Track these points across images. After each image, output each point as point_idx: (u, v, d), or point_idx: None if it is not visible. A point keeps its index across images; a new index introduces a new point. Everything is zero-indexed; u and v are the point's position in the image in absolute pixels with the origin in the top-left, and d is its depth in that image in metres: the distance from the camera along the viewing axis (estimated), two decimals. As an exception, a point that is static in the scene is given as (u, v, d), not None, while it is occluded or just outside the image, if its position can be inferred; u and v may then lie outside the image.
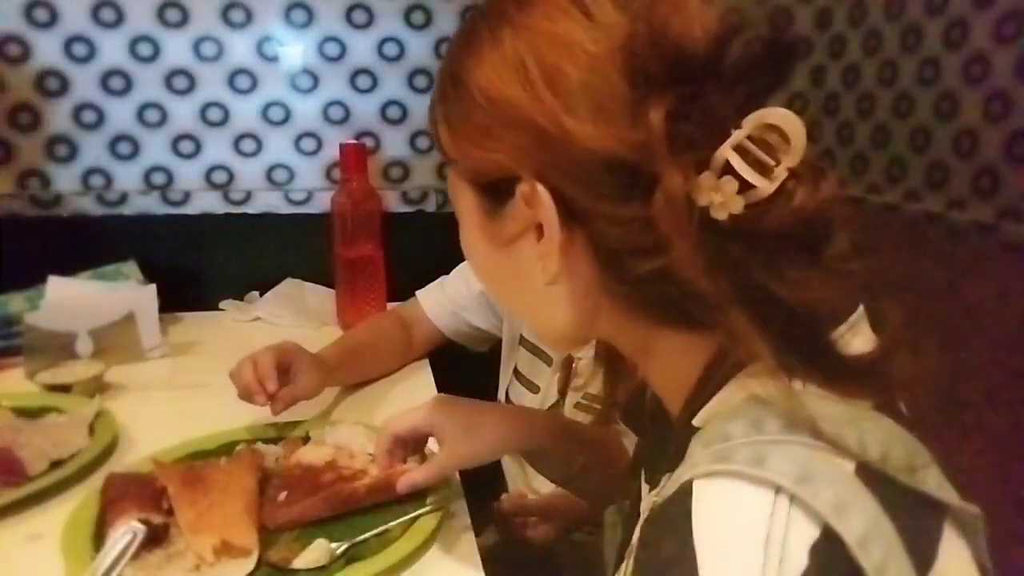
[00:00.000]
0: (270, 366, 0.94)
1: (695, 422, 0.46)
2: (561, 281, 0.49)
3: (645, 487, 0.58)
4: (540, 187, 0.46)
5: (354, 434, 0.87)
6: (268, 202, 1.57)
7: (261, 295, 1.53)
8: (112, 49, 1.48)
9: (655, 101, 0.42)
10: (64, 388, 1.07)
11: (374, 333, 1.24)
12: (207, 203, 1.55)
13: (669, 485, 0.43)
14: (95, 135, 1.50)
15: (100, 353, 1.19)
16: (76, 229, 1.49)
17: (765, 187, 0.41)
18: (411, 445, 0.81)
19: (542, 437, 0.82)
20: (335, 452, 0.83)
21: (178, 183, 1.55)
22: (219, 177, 1.57)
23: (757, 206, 0.41)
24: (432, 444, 0.81)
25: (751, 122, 0.41)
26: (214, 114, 1.54)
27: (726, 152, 0.41)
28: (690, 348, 0.49)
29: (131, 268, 1.39)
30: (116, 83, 1.49)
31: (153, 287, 1.28)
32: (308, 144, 1.59)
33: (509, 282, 0.56)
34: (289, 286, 1.55)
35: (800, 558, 0.36)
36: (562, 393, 1.10)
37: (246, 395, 0.94)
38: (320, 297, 1.50)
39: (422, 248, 1.44)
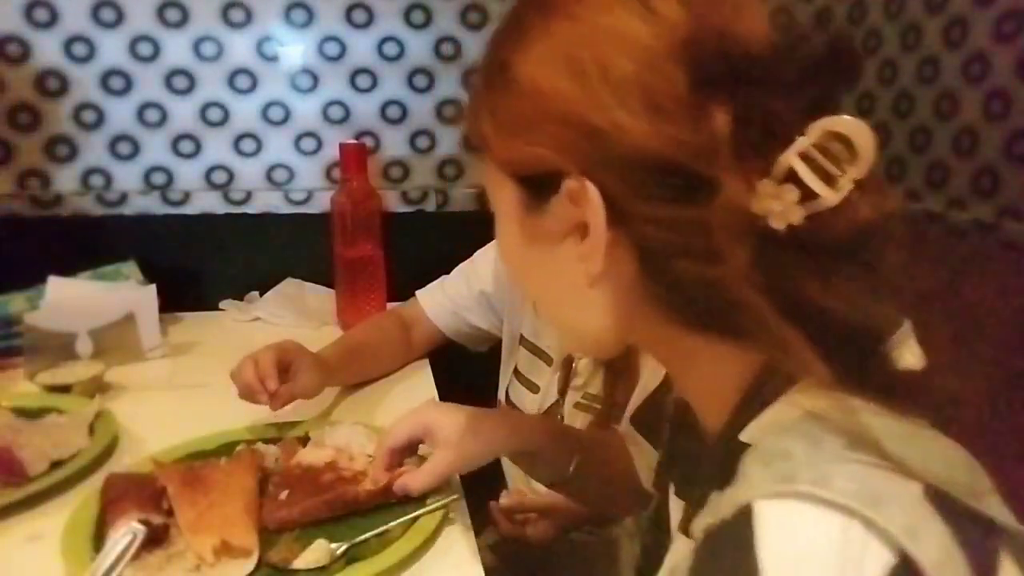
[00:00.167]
0: (271, 364, 0.95)
1: (743, 437, 0.44)
2: (602, 283, 0.48)
3: (676, 500, 0.56)
4: (589, 184, 0.44)
5: (354, 434, 0.87)
6: (268, 202, 1.57)
7: (261, 295, 1.53)
8: (112, 49, 1.48)
9: (719, 103, 0.40)
10: (64, 388, 1.07)
11: (374, 333, 1.24)
12: (207, 203, 1.55)
13: (722, 504, 0.41)
14: (95, 135, 1.51)
15: (100, 353, 1.19)
16: (76, 229, 1.49)
17: (830, 197, 0.39)
18: (407, 450, 0.81)
19: (534, 440, 0.82)
20: (335, 454, 0.83)
21: (178, 183, 1.55)
22: (219, 177, 1.57)
23: (817, 217, 0.39)
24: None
25: (817, 129, 0.40)
26: (214, 114, 1.54)
27: (791, 159, 0.39)
28: (733, 358, 0.47)
29: (131, 268, 1.38)
30: (116, 83, 1.49)
31: (153, 287, 1.28)
32: (308, 144, 1.59)
33: (545, 281, 0.53)
34: (289, 286, 1.55)
35: None
36: (562, 393, 1.10)
37: (247, 394, 0.94)
38: (320, 297, 1.50)
39: (422, 248, 1.44)
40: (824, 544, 0.35)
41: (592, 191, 0.44)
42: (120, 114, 1.51)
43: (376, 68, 1.59)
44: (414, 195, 1.62)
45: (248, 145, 1.57)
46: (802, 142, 0.40)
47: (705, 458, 0.49)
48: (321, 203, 1.54)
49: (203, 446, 0.90)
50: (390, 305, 1.37)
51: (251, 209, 1.57)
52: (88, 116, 1.50)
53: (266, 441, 0.90)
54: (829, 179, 0.39)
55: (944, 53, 1.20)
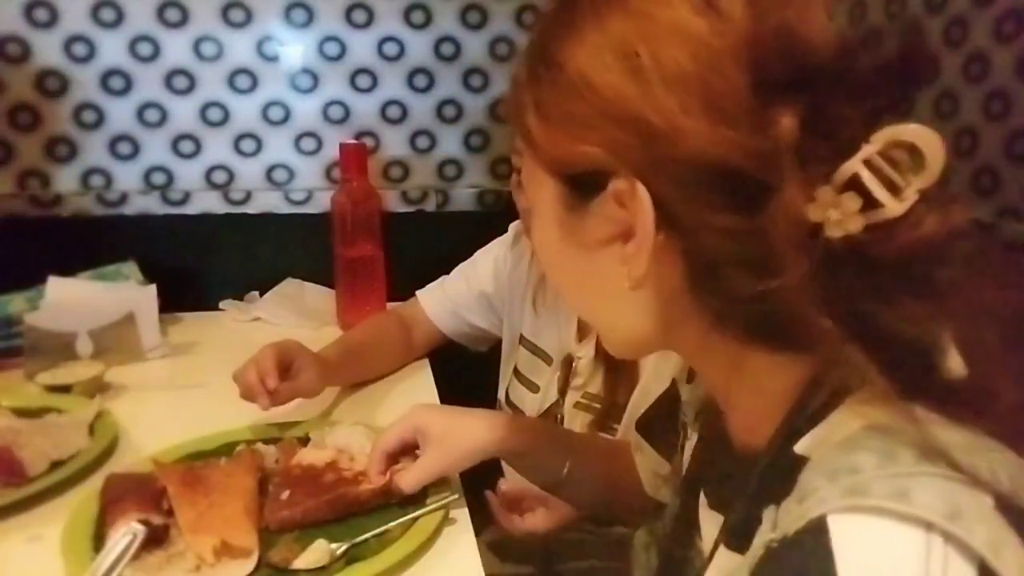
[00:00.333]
0: (271, 363, 0.95)
1: (799, 450, 0.42)
2: (645, 287, 0.46)
3: (710, 512, 0.55)
4: (640, 186, 0.42)
5: (354, 435, 0.87)
6: (268, 202, 1.57)
7: (261, 295, 1.53)
8: (112, 49, 1.48)
9: (784, 108, 0.39)
10: (64, 388, 1.07)
11: (374, 333, 1.24)
12: (207, 203, 1.55)
13: (784, 519, 0.39)
14: (95, 135, 1.51)
15: (100, 353, 1.19)
16: (76, 229, 1.49)
17: (894, 208, 0.37)
18: (400, 454, 0.81)
19: (524, 440, 0.82)
20: (336, 454, 0.83)
21: (178, 183, 1.55)
22: (219, 177, 1.57)
23: (878, 228, 0.38)
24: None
25: (883, 137, 0.38)
26: (214, 114, 1.54)
27: (855, 166, 0.38)
28: (780, 370, 0.45)
29: (131, 268, 1.38)
30: (116, 83, 1.49)
31: (153, 287, 1.28)
32: (308, 144, 1.59)
33: (584, 282, 0.51)
34: (289, 286, 1.55)
35: None
36: (562, 392, 1.10)
37: (249, 395, 0.94)
38: (320, 297, 1.50)
39: (422, 248, 1.44)
40: (906, 559, 0.34)
41: (642, 193, 0.43)
42: (120, 114, 1.51)
43: (376, 68, 1.58)
44: (414, 195, 1.62)
45: (248, 145, 1.57)
46: (867, 150, 0.38)
47: (744, 471, 0.48)
48: (321, 203, 1.54)
49: (203, 446, 0.90)
50: (390, 305, 1.37)
51: (251, 209, 1.57)
52: (88, 116, 1.50)
53: (266, 441, 0.90)
54: (894, 188, 0.38)
55: (944, 53, 1.20)
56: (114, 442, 0.93)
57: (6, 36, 1.44)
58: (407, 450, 0.81)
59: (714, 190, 0.41)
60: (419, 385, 1.18)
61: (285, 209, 1.58)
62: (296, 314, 1.45)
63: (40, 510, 0.79)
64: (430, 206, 1.63)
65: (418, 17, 1.58)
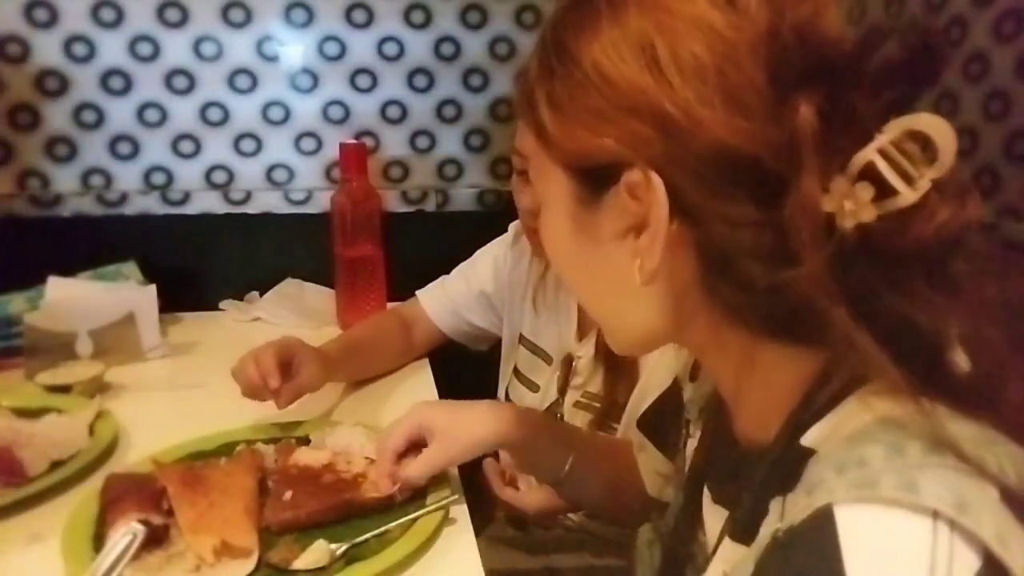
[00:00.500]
0: (272, 362, 0.94)
1: (807, 443, 0.43)
2: (657, 280, 0.46)
3: (714, 507, 0.55)
4: (655, 177, 0.43)
5: (354, 435, 0.87)
6: (268, 202, 1.57)
7: (261, 295, 1.53)
8: (112, 49, 1.48)
9: (802, 99, 0.39)
10: (64, 388, 1.07)
11: (375, 331, 1.24)
12: (207, 203, 1.55)
13: (791, 510, 0.40)
14: (95, 135, 1.51)
15: (100, 353, 1.19)
16: (76, 229, 1.49)
17: (908, 196, 0.38)
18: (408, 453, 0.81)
19: (527, 432, 0.82)
20: (333, 456, 0.83)
21: (178, 183, 1.55)
22: (219, 177, 1.57)
23: (890, 218, 0.38)
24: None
25: (896, 128, 0.38)
26: (214, 114, 1.54)
27: (870, 155, 0.38)
28: (792, 362, 0.45)
29: (131, 268, 1.39)
30: (116, 83, 1.49)
31: (153, 287, 1.28)
32: (308, 144, 1.59)
33: (596, 277, 0.51)
34: (289, 286, 1.55)
35: None
36: (562, 392, 1.10)
37: (251, 392, 0.94)
38: (320, 297, 1.50)
39: (422, 248, 1.44)
40: (913, 548, 0.35)
41: (657, 184, 0.43)
42: (120, 114, 1.51)
43: (376, 68, 1.58)
44: (414, 195, 1.62)
45: (248, 145, 1.57)
46: (881, 139, 0.38)
47: (750, 465, 0.48)
48: (321, 203, 1.54)
49: (203, 446, 0.90)
50: (390, 305, 1.37)
51: (251, 209, 1.57)
52: (88, 116, 1.50)
53: (266, 441, 0.90)
54: (907, 178, 0.38)
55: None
56: (114, 442, 0.93)
57: (6, 36, 1.44)
58: (413, 448, 0.81)
59: (731, 181, 0.41)
60: (419, 385, 1.18)
61: (285, 209, 1.58)
62: (296, 314, 1.45)
63: (40, 510, 0.79)
64: (430, 206, 1.63)
65: (418, 17, 1.58)
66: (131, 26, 1.48)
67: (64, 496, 0.81)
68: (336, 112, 1.59)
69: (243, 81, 1.54)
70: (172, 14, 1.49)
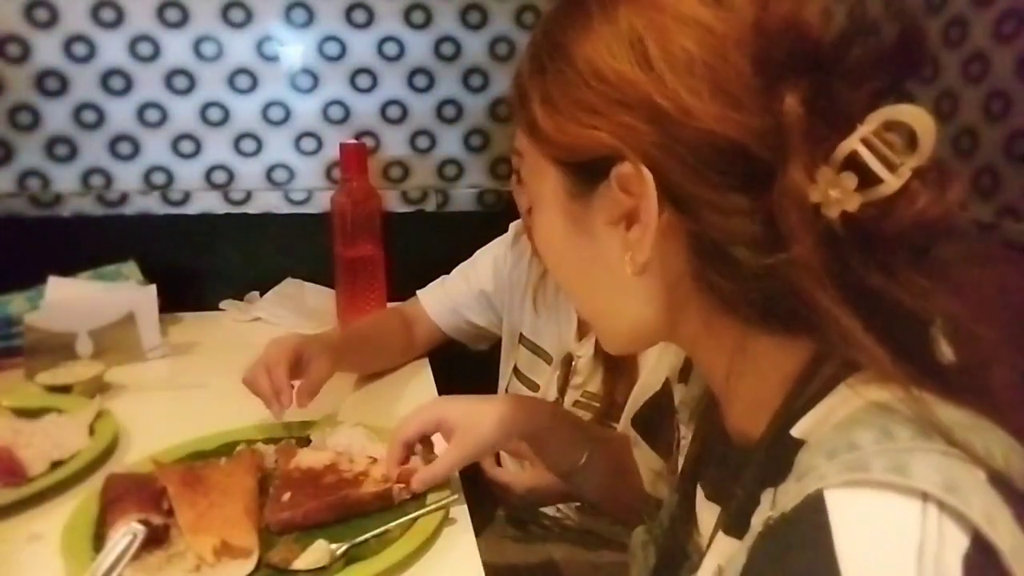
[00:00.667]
0: (284, 378, 0.94)
1: (797, 434, 0.43)
2: (649, 272, 0.47)
3: (707, 503, 0.56)
4: (644, 169, 0.44)
5: (355, 436, 0.87)
6: (268, 202, 1.57)
7: (261, 295, 1.53)
8: (112, 49, 1.48)
9: (789, 89, 0.40)
10: (64, 388, 1.07)
11: (379, 326, 1.24)
12: (207, 203, 1.55)
13: (782, 498, 0.40)
14: (95, 135, 1.51)
15: (100, 353, 1.19)
16: (76, 229, 1.50)
17: (891, 184, 0.39)
18: (416, 447, 0.81)
19: (544, 422, 0.82)
20: (335, 456, 0.83)
21: (178, 183, 1.55)
22: (219, 177, 1.57)
23: (874, 206, 0.39)
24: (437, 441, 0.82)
25: (877, 118, 0.40)
26: (214, 114, 1.54)
27: (853, 144, 0.39)
28: (783, 352, 0.46)
29: (131, 268, 1.39)
30: (116, 83, 1.49)
31: (153, 287, 1.28)
32: (308, 144, 1.59)
33: (589, 271, 0.52)
34: (289, 286, 1.55)
35: (954, 569, 0.34)
36: (561, 391, 1.11)
37: (266, 402, 0.94)
38: (320, 297, 1.50)
39: (422, 248, 1.44)
40: (903, 529, 0.35)
41: (647, 176, 0.44)
42: (120, 114, 1.51)
43: (376, 68, 1.59)
44: (414, 195, 1.62)
45: (248, 145, 1.57)
46: (864, 129, 0.40)
47: (742, 459, 0.49)
48: (321, 203, 1.54)
49: (203, 446, 0.90)
50: (390, 305, 1.37)
51: (251, 209, 1.57)
52: (88, 116, 1.50)
53: (266, 441, 0.90)
54: (889, 166, 0.39)
55: (944, 53, 1.20)
56: (114, 442, 0.93)
57: (6, 36, 1.44)
58: (424, 442, 0.81)
59: (720, 170, 0.42)
60: (419, 385, 1.18)
61: (285, 209, 1.58)
62: (296, 314, 1.45)
63: (40, 510, 0.79)
64: (430, 206, 1.63)
65: (418, 17, 1.58)
66: (131, 26, 1.48)
67: (64, 496, 0.81)
68: (336, 112, 1.59)
69: (243, 81, 1.54)
70: (172, 14, 1.49)
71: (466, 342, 1.30)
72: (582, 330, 1.10)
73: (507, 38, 1.61)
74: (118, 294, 1.28)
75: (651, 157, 0.44)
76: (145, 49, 1.49)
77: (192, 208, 1.55)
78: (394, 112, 1.61)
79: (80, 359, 1.17)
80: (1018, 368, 0.41)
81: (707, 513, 0.55)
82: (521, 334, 1.21)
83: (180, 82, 1.52)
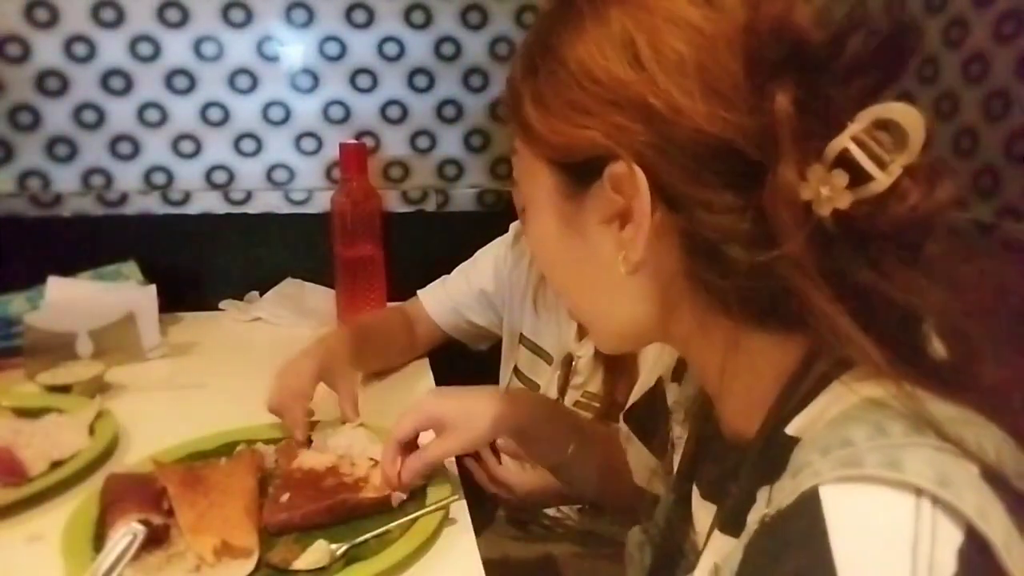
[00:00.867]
0: (302, 419, 0.92)
1: (790, 431, 0.44)
2: (642, 271, 0.47)
3: (703, 503, 0.56)
4: (637, 169, 0.44)
5: (356, 437, 0.87)
6: (268, 202, 1.57)
7: (261, 295, 1.53)
8: (112, 49, 1.48)
9: (779, 88, 0.41)
10: (64, 388, 1.07)
11: (383, 325, 1.24)
12: (207, 203, 1.55)
13: (778, 495, 0.40)
14: (95, 135, 1.51)
15: (100, 353, 1.19)
16: (76, 229, 1.50)
17: (881, 181, 0.39)
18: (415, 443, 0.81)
19: (535, 414, 0.82)
20: (337, 460, 0.83)
21: (178, 183, 1.55)
22: (219, 177, 1.57)
23: (866, 203, 0.40)
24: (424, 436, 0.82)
25: (868, 116, 0.40)
26: (214, 114, 1.54)
27: (844, 142, 0.40)
28: (776, 349, 0.47)
29: (131, 268, 1.39)
30: (116, 83, 1.49)
31: (153, 287, 1.28)
32: (308, 144, 1.59)
33: (582, 272, 0.52)
34: (289, 286, 1.55)
35: (948, 563, 0.34)
36: (562, 391, 1.11)
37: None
38: (320, 297, 1.50)
39: (422, 248, 1.45)
40: (897, 523, 0.35)
41: (640, 176, 0.44)
42: (120, 114, 1.51)
43: (376, 68, 1.59)
44: (414, 195, 1.62)
45: (248, 145, 1.57)
46: (854, 127, 0.40)
47: (736, 458, 0.49)
48: (321, 203, 1.54)
49: (203, 446, 0.90)
50: (390, 305, 1.37)
51: (251, 209, 1.57)
52: (88, 116, 1.50)
53: (266, 441, 0.90)
54: (880, 164, 0.40)
55: (944, 53, 1.20)
56: (114, 442, 0.93)
57: (6, 36, 1.44)
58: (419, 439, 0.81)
59: (712, 169, 0.43)
60: (419, 385, 1.18)
61: (285, 209, 1.58)
62: (296, 314, 1.45)
63: (40, 510, 0.79)
64: (430, 206, 1.63)
65: (418, 17, 1.58)
66: (131, 26, 1.48)
67: (64, 496, 0.81)
68: (336, 112, 1.59)
69: (243, 81, 1.54)
70: (172, 14, 1.49)
71: (466, 342, 1.30)
72: (582, 330, 1.10)
73: (507, 38, 1.61)
74: (118, 294, 1.28)
75: (643, 157, 0.44)
76: (145, 49, 1.49)
77: (192, 208, 1.55)
78: (394, 112, 1.61)
79: (80, 359, 1.17)
80: (1013, 365, 0.41)
81: (703, 512, 0.55)
82: (521, 334, 1.21)
83: (180, 82, 1.52)
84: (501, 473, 1.04)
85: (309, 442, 0.89)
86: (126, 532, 0.67)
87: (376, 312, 1.31)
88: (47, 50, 1.45)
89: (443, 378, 1.19)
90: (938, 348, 0.43)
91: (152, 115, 1.52)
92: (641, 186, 0.44)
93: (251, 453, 0.86)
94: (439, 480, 0.81)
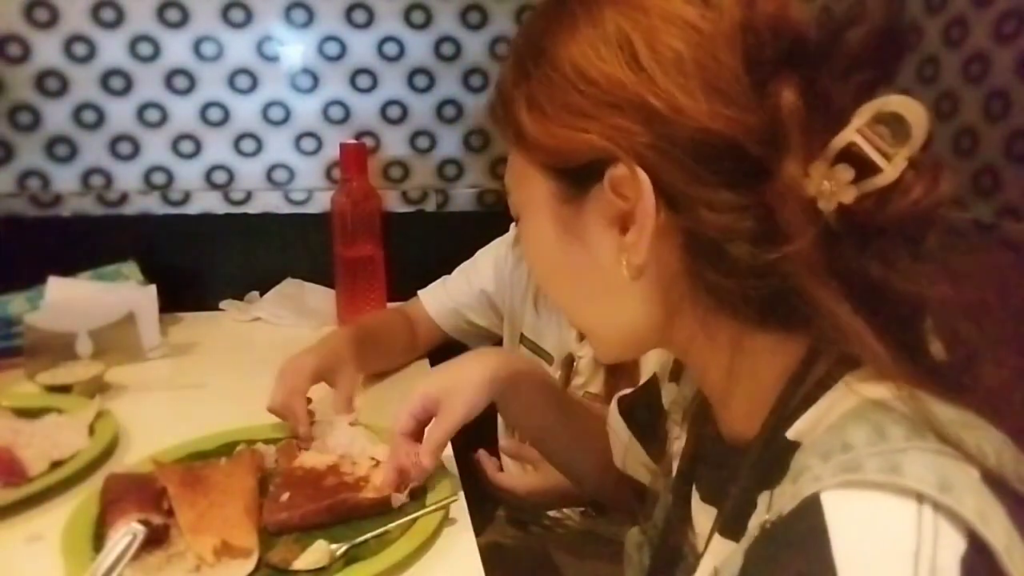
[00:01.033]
0: (303, 415, 0.92)
1: (791, 435, 0.43)
2: (645, 274, 0.47)
3: (703, 506, 0.55)
4: (640, 170, 0.43)
5: (356, 436, 0.87)
6: (268, 202, 1.57)
7: (261, 295, 1.53)
8: (112, 49, 1.48)
9: (781, 85, 0.41)
10: (64, 388, 1.07)
11: (385, 325, 1.24)
12: (207, 203, 1.55)
13: (779, 500, 0.40)
14: (95, 135, 1.51)
15: (100, 353, 1.19)
16: (76, 229, 1.50)
17: (888, 174, 0.39)
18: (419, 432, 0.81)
19: (519, 366, 0.82)
20: (338, 459, 0.83)
21: (178, 183, 1.55)
22: (219, 177, 1.57)
23: (870, 197, 0.39)
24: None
25: (870, 109, 0.40)
26: (214, 114, 1.54)
27: (850, 136, 0.40)
28: (778, 350, 0.46)
29: (131, 268, 1.39)
30: (116, 83, 1.49)
31: (153, 287, 1.28)
32: (308, 144, 1.59)
33: (582, 278, 0.52)
34: (289, 286, 1.55)
35: (951, 569, 0.34)
36: (562, 392, 1.10)
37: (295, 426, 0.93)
38: (320, 297, 1.50)
39: (422, 248, 1.44)
40: (899, 530, 0.35)
41: (643, 178, 0.44)
42: (120, 114, 1.51)
43: (376, 68, 1.59)
44: (414, 195, 1.62)
45: (248, 145, 1.57)
46: (857, 121, 0.40)
47: (736, 461, 0.49)
48: (321, 203, 1.54)
49: (203, 446, 0.90)
50: (390, 305, 1.37)
51: (251, 209, 1.57)
52: (88, 116, 1.50)
53: (266, 441, 0.90)
54: (885, 156, 0.39)
55: (944, 53, 1.20)
56: (114, 442, 0.93)
57: (6, 36, 1.44)
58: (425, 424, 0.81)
59: (714, 168, 0.42)
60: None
61: (285, 209, 1.58)
62: (296, 314, 1.45)
63: (40, 510, 0.79)
64: (430, 206, 1.63)
65: (418, 17, 1.58)
66: (131, 26, 1.48)
67: (64, 496, 0.81)
68: (336, 112, 1.59)
69: (243, 81, 1.54)
70: (172, 14, 1.49)
71: (467, 342, 1.29)
72: (583, 331, 1.10)
73: (507, 38, 1.61)
74: (118, 294, 1.28)
75: (645, 158, 0.44)
76: (145, 49, 1.49)
77: (192, 208, 1.55)
78: (394, 112, 1.61)
79: (80, 359, 1.17)
80: (1014, 365, 0.41)
81: (703, 515, 0.55)
82: (522, 334, 1.21)
83: (180, 82, 1.52)
84: (501, 479, 1.04)
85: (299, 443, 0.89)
86: (126, 532, 0.67)
87: (377, 313, 1.31)
88: (47, 50, 1.45)
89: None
90: (938, 349, 0.43)
91: (152, 115, 1.52)
92: (644, 188, 0.44)
93: (251, 453, 0.86)
94: (439, 480, 0.81)
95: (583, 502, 1.09)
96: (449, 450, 0.90)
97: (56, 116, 1.48)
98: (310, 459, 0.83)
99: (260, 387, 0.95)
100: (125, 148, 1.52)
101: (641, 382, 0.99)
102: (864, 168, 0.40)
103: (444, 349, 1.29)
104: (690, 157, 0.43)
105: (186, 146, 1.55)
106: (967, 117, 1.16)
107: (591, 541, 1.10)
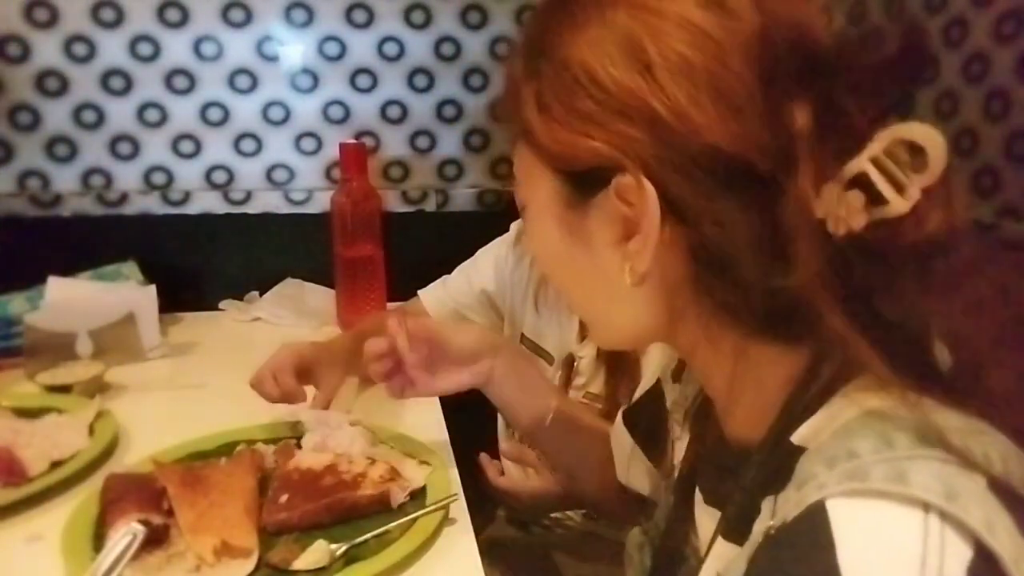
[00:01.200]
0: (292, 381, 0.94)
1: (796, 440, 0.43)
2: (648, 281, 0.46)
3: (706, 508, 0.55)
4: (646, 181, 0.43)
5: (356, 436, 0.87)
6: (268, 202, 1.57)
7: (261, 295, 1.53)
8: (112, 49, 1.48)
9: (797, 102, 0.40)
10: (64, 388, 1.07)
11: (383, 326, 1.24)
12: (207, 203, 1.55)
13: (783, 507, 0.40)
14: (95, 135, 1.51)
15: (100, 353, 1.19)
16: (76, 229, 1.50)
17: (899, 205, 0.38)
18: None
19: (514, 352, 0.83)
20: (334, 458, 0.83)
21: (178, 183, 1.55)
22: (219, 177, 1.57)
23: (880, 226, 0.38)
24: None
25: (888, 136, 0.38)
26: (214, 114, 1.54)
27: (862, 164, 0.38)
28: (782, 359, 0.46)
29: (131, 268, 1.39)
30: (116, 83, 1.49)
31: (153, 287, 1.28)
32: (308, 144, 1.59)
33: (584, 279, 0.51)
34: (289, 286, 1.55)
35: None
36: (563, 392, 1.10)
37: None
38: (320, 297, 1.50)
39: (422, 248, 1.44)
40: (905, 539, 0.35)
41: (649, 189, 0.43)
42: (120, 114, 1.51)
43: (376, 68, 1.58)
44: (414, 195, 1.62)
45: (248, 145, 1.57)
46: (873, 147, 0.38)
47: (740, 464, 0.48)
48: (321, 203, 1.54)
49: (203, 446, 0.90)
50: (390, 305, 1.37)
51: (251, 209, 1.57)
52: (88, 116, 1.50)
53: (266, 441, 0.90)
54: (898, 186, 0.38)
55: (944, 53, 1.20)
56: (114, 442, 0.93)
57: (6, 36, 1.44)
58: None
59: (722, 183, 0.41)
60: (419, 385, 1.17)
61: (285, 209, 1.58)
62: (296, 314, 1.45)
63: (40, 510, 0.79)
64: (430, 206, 1.63)
65: (418, 17, 1.58)
66: (131, 26, 1.48)
67: (64, 496, 0.81)
68: (336, 112, 1.59)
69: (243, 81, 1.54)
70: (172, 14, 1.49)
71: (467, 342, 1.29)
72: (584, 331, 1.10)
73: (507, 38, 1.61)
74: (118, 294, 1.28)
75: (651, 169, 0.43)
76: (145, 49, 1.49)
77: (192, 208, 1.55)
78: (394, 112, 1.61)
79: (80, 359, 1.17)
80: (1017, 370, 0.41)
81: (706, 518, 0.55)
82: (523, 334, 1.20)
83: (180, 82, 1.52)
84: (503, 483, 1.04)
85: (298, 443, 0.88)
86: (126, 532, 0.67)
87: (376, 316, 1.30)
88: (47, 50, 1.45)
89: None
90: (943, 355, 0.42)
91: (152, 115, 1.52)
92: (650, 199, 0.43)
93: (251, 453, 0.86)
94: (439, 480, 0.81)
95: (584, 506, 1.09)
96: (449, 450, 0.90)
97: (56, 116, 1.48)
98: (307, 459, 0.83)
99: (260, 387, 0.95)
100: (125, 148, 1.52)
101: (642, 382, 0.99)
102: (878, 195, 0.38)
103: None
104: (698, 170, 0.41)
105: (186, 146, 1.55)
106: (967, 117, 1.16)
107: (592, 542, 1.10)
